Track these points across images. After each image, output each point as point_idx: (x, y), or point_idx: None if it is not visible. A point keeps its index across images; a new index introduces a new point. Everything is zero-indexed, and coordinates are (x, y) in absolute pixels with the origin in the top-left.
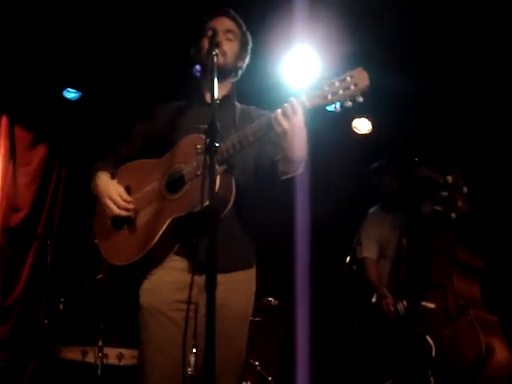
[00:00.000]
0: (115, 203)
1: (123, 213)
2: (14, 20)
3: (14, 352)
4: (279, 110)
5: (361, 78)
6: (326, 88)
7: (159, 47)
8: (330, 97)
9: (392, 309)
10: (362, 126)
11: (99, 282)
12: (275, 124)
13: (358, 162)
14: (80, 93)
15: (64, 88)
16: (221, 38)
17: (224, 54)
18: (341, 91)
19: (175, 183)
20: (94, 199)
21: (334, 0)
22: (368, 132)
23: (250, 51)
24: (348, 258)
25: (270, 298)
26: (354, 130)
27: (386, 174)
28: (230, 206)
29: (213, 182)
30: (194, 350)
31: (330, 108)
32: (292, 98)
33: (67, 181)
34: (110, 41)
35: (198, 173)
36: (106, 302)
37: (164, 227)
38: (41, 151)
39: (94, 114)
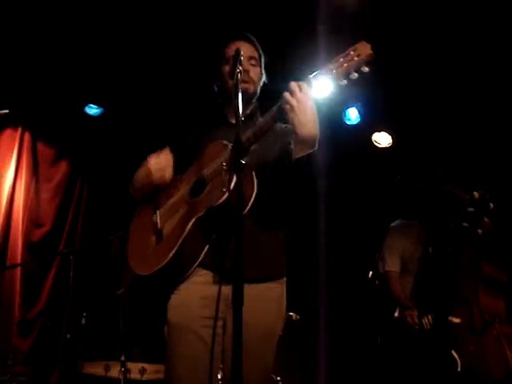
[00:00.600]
0: None
1: None
2: (37, 37)
3: (36, 366)
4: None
5: (363, 49)
6: (332, 65)
7: (180, 64)
8: (335, 71)
9: (416, 320)
10: (382, 139)
11: (121, 297)
12: (283, 103)
13: (378, 175)
14: (102, 109)
15: (86, 104)
16: (246, 64)
17: (253, 81)
18: (345, 64)
19: (198, 187)
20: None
21: (357, 21)
22: (388, 145)
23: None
24: (370, 273)
25: (291, 313)
26: (374, 143)
27: (410, 187)
28: (251, 201)
29: (240, 185)
30: (221, 367)
31: (349, 120)
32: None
33: (88, 197)
34: (131, 57)
35: (224, 190)
36: (128, 317)
37: (187, 229)
38: (63, 167)
39: (116, 130)
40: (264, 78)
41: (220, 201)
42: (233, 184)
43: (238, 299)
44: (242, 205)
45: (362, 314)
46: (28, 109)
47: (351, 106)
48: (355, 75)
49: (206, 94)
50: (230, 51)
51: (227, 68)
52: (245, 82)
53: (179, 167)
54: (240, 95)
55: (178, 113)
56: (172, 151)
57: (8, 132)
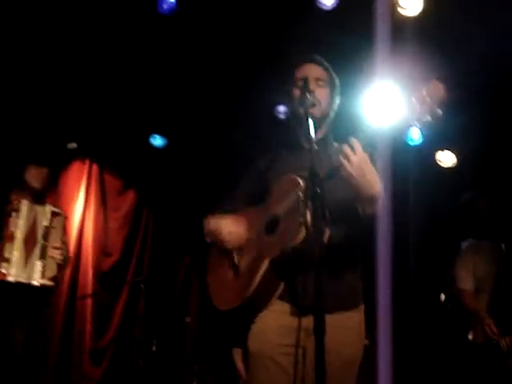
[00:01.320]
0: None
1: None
2: (101, 71)
3: None
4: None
5: (436, 90)
6: (405, 108)
7: (245, 95)
8: (407, 115)
9: (495, 330)
10: (447, 158)
11: (188, 325)
12: (341, 169)
13: (443, 195)
14: (166, 139)
15: (150, 135)
16: (313, 86)
17: (319, 103)
18: (417, 106)
19: (272, 225)
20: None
21: (418, 33)
22: (453, 165)
23: (339, 92)
24: (443, 296)
25: None
26: (439, 163)
27: (480, 205)
28: (325, 238)
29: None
30: None
31: (411, 140)
32: (352, 138)
33: (155, 226)
34: (195, 88)
35: (300, 222)
36: (197, 344)
37: (261, 271)
38: (130, 197)
39: (181, 161)
40: (337, 101)
41: (296, 240)
42: (309, 218)
43: (319, 333)
44: (318, 240)
45: (433, 337)
46: (95, 142)
47: (413, 126)
48: (428, 118)
49: (271, 121)
50: (299, 75)
51: (296, 93)
52: (313, 106)
53: (253, 198)
54: (311, 122)
55: (243, 143)
56: (245, 183)
57: (76, 165)
